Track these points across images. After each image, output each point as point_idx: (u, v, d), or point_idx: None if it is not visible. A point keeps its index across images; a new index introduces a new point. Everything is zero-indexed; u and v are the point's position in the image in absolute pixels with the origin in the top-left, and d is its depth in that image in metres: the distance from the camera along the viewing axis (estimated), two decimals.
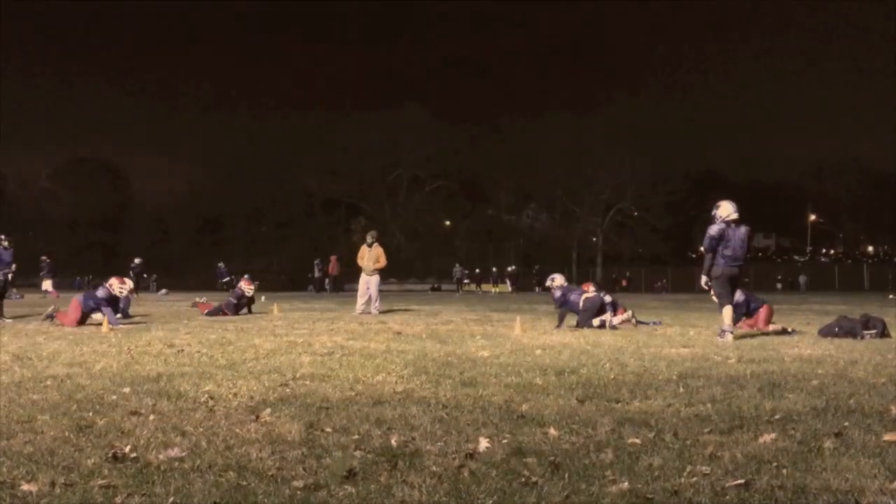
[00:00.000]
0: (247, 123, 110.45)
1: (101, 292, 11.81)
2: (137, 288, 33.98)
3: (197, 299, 15.47)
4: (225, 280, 38.65)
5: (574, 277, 66.92)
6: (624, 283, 56.82)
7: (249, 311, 15.79)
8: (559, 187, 69.02)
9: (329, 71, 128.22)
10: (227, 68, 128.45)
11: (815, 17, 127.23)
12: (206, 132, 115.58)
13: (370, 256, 16.29)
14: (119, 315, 12.15)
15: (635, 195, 67.05)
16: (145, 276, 38.05)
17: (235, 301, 15.51)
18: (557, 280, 12.79)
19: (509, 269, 54.89)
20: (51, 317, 12.03)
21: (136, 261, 35.88)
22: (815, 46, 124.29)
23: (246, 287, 15.85)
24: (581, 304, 11.88)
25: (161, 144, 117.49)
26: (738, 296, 10.66)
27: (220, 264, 40.90)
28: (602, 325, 11.48)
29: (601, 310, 11.70)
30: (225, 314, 15.02)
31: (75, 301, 11.97)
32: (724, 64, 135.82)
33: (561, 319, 12.09)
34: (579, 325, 11.61)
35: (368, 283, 16.19)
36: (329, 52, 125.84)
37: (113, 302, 11.94)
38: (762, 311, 11.17)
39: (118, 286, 12.09)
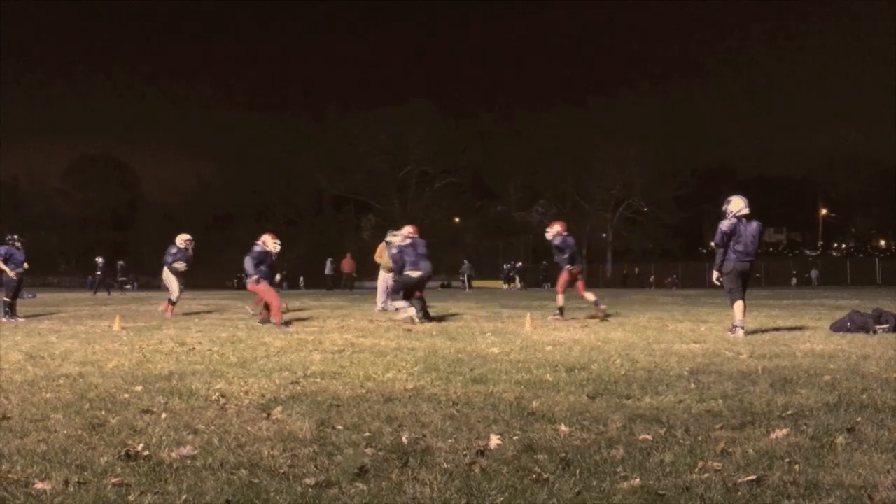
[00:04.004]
0: (255, 121, 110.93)
1: (256, 251, 12.02)
2: (105, 286, 33.85)
3: (250, 311, 14.98)
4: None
5: (584, 273, 66.97)
6: (651, 279, 56.41)
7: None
8: (568, 183, 68.89)
9: (336, 68, 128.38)
10: (235, 66, 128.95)
11: (826, 11, 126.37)
12: (216, 130, 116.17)
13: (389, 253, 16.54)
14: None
15: (645, 190, 66.83)
16: (97, 274, 34.20)
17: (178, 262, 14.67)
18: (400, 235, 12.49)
19: (518, 264, 54.80)
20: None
21: (99, 260, 34.14)
22: (827, 40, 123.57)
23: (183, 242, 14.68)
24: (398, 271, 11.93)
25: (171, 142, 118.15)
26: (570, 241, 12.43)
27: (99, 259, 35.00)
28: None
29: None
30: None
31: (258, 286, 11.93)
32: (733, 58, 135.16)
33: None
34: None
35: (387, 280, 16.41)
36: (336, 50, 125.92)
37: (265, 260, 12.10)
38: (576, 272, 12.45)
39: (272, 242, 12.32)
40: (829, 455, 3.46)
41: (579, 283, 12.60)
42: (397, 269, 12.15)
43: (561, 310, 12.59)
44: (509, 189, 73.11)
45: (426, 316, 12.02)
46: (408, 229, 12.62)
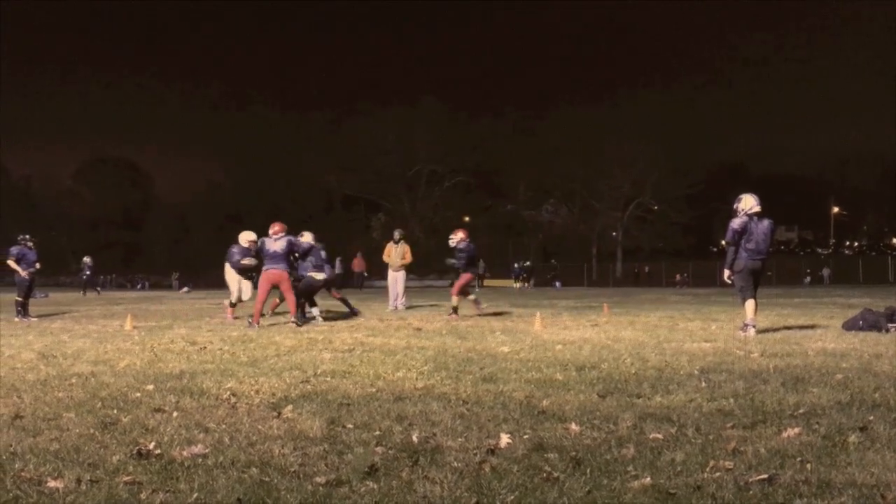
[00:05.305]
0: (265, 121, 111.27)
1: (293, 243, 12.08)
2: (82, 285, 33.73)
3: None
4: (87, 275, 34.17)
5: (595, 272, 66.86)
6: (677, 278, 56.02)
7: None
8: (577, 181, 68.73)
9: (344, 68, 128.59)
10: (245, 67, 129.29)
11: (840, 7, 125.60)
12: (226, 130, 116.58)
13: (397, 253, 16.78)
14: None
15: (655, 189, 66.62)
16: (86, 274, 34.07)
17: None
18: (306, 237, 12.87)
19: (526, 263, 54.67)
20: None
21: (87, 259, 34.28)
22: (839, 37, 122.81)
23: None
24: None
25: (179, 143, 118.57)
26: (472, 248, 13.64)
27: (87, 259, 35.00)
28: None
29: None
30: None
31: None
32: (745, 55, 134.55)
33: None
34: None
35: (396, 279, 16.61)
36: (344, 49, 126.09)
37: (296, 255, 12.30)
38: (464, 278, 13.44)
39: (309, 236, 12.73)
40: (842, 454, 3.44)
41: (458, 284, 13.60)
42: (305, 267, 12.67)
43: (455, 309, 13.11)
44: (519, 188, 72.98)
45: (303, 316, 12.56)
46: (308, 235, 13.14)
